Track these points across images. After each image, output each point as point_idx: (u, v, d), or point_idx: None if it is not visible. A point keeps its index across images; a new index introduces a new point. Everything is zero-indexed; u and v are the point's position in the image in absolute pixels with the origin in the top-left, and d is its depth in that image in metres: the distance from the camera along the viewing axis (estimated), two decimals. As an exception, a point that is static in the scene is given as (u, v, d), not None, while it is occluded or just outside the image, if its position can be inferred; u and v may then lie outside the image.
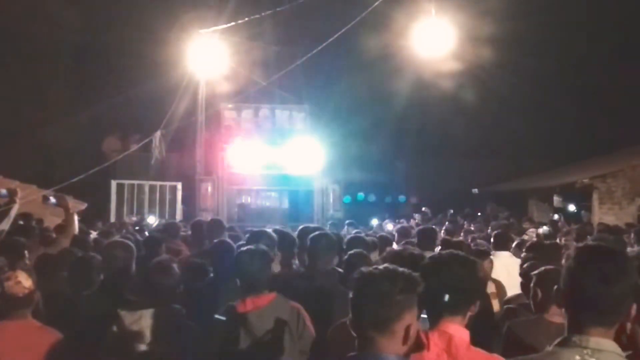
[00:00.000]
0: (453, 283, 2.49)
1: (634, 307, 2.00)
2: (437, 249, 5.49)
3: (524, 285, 4.30)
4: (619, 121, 20.05)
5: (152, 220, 14.81)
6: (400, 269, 2.20)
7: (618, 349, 1.95)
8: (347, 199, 19.66)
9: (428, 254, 3.37)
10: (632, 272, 2.01)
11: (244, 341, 3.47)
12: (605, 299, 1.95)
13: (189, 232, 6.99)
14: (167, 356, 3.42)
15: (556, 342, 2.03)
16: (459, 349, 2.41)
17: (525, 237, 8.94)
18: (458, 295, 2.49)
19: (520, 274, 4.46)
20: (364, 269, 2.25)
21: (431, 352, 2.39)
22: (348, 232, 8.08)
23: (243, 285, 3.64)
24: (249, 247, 3.86)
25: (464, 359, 2.39)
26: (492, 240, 7.21)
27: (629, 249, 6.11)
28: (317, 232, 4.86)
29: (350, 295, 2.20)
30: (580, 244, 2.23)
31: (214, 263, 4.65)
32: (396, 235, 7.43)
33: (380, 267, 2.24)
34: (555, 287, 2.13)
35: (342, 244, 5.41)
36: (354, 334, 2.17)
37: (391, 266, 2.24)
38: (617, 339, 1.99)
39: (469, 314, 2.55)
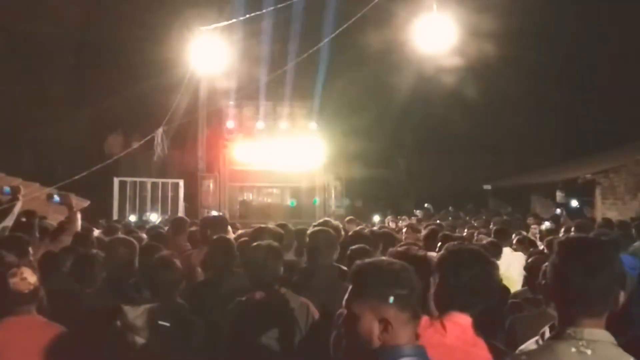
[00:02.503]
0: (471, 284, 2.48)
1: (622, 294, 2.01)
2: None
3: (528, 280, 4.31)
4: (622, 117, 20.02)
5: (155, 218, 14.85)
6: (393, 266, 2.14)
7: (611, 338, 1.97)
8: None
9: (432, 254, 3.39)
10: (615, 261, 2.02)
11: (253, 336, 3.48)
12: (591, 291, 1.96)
13: (193, 229, 6.99)
14: (170, 351, 3.43)
15: (550, 335, 2.03)
16: (473, 338, 2.45)
17: (528, 233, 8.95)
18: (473, 295, 2.49)
19: (525, 269, 4.47)
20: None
21: (447, 338, 2.42)
22: (349, 229, 8.07)
23: (253, 280, 3.65)
24: (259, 242, 3.86)
25: (477, 347, 2.43)
26: (492, 235, 7.23)
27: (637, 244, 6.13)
28: (315, 228, 4.86)
29: None
30: (562, 238, 2.23)
31: (214, 259, 4.65)
32: (404, 232, 7.43)
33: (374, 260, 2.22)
34: (544, 282, 2.14)
35: (340, 237, 5.43)
36: None
37: (386, 260, 2.21)
38: None
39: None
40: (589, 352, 1.91)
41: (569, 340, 1.96)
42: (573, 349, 1.93)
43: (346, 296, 2.12)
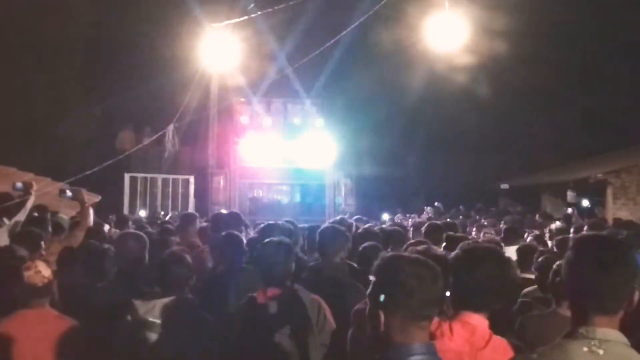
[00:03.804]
0: (485, 283, 2.47)
1: (637, 294, 1.98)
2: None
3: (538, 279, 4.29)
4: (634, 116, 19.86)
5: (164, 213, 14.90)
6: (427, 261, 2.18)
7: (624, 339, 1.95)
8: None
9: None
10: (631, 259, 2.00)
11: (264, 332, 3.48)
12: (605, 288, 1.94)
13: (203, 225, 7.02)
14: (180, 346, 3.45)
15: (563, 334, 2.03)
16: (483, 340, 2.42)
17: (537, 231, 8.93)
18: (488, 295, 2.48)
19: (535, 268, 4.44)
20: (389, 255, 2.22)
21: (454, 342, 2.40)
22: (356, 227, 8.10)
23: (265, 277, 3.65)
24: (272, 239, 3.87)
25: (487, 351, 2.39)
26: (502, 234, 7.20)
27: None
28: (325, 226, 4.86)
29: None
30: (578, 235, 2.22)
31: (224, 255, 4.67)
32: (411, 231, 7.43)
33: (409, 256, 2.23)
34: (557, 279, 2.13)
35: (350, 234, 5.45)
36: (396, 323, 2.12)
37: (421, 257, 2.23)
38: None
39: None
40: (601, 352, 1.89)
41: (581, 339, 1.94)
42: (585, 349, 1.91)
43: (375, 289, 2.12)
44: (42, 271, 3.30)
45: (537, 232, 8.78)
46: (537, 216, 13.41)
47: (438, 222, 6.97)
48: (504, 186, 21.77)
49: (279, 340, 3.49)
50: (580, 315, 2.00)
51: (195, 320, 3.60)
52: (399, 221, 13.49)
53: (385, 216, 15.31)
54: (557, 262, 3.71)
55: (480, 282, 2.46)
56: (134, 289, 3.87)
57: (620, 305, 1.96)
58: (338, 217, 6.70)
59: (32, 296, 3.31)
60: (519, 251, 5.50)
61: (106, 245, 4.65)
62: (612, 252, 1.98)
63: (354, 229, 7.08)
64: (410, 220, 13.85)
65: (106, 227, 7.42)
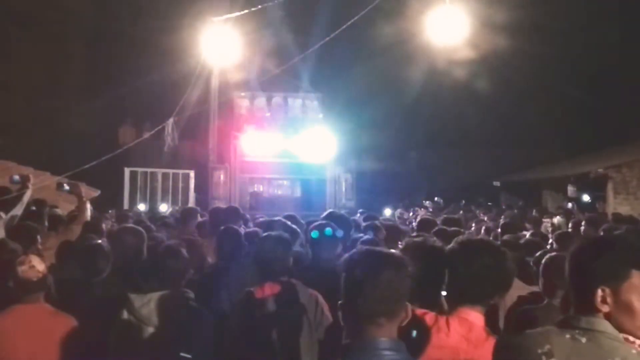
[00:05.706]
0: (482, 274, 2.45)
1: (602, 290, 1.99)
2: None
3: (536, 273, 4.28)
4: (635, 111, 19.82)
5: (164, 208, 14.89)
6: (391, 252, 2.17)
7: (610, 328, 1.91)
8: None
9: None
10: (609, 256, 1.97)
11: (262, 327, 3.47)
12: (581, 279, 1.96)
13: (203, 219, 6.99)
14: (175, 339, 3.43)
15: (554, 323, 2.03)
16: (480, 338, 2.40)
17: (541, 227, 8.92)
18: (484, 287, 2.46)
19: (534, 262, 4.44)
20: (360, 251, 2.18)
21: (451, 338, 2.38)
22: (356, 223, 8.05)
23: (262, 271, 3.64)
24: (269, 233, 3.86)
25: (484, 349, 2.36)
26: (500, 229, 7.19)
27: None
28: (318, 222, 4.84)
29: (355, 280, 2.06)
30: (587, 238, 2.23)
31: (220, 249, 4.66)
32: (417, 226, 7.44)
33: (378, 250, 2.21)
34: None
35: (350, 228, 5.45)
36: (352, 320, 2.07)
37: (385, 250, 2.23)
38: None
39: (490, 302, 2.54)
40: (583, 340, 1.88)
41: (567, 327, 1.94)
42: (567, 336, 1.90)
43: None
44: (36, 266, 3.28)
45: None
46: (534, 211, 13.40)
47: (429, 218, 7.00)
48: (496, 183, 21.82)
49: (276, 335, 3.48)
50: (568, 306, 2.02)
51: (191, 314, 3.58)
52: (400, 216, 13.52)
53: (388, 211, 15.28)
54: (547, 256, 3.73)
55: (477, 274, 2.44)
56: (131, 283, 3.86)
57: (594, 298, 1.93)
58: (326, 212, 6.64)
59: (26, 291, 3.29)
60: None
61: (102, 240, 4.64)
62: (589, 246, 2.01)
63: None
64: (412, 213, 13.84)
65: (106, 222, 7.39)
